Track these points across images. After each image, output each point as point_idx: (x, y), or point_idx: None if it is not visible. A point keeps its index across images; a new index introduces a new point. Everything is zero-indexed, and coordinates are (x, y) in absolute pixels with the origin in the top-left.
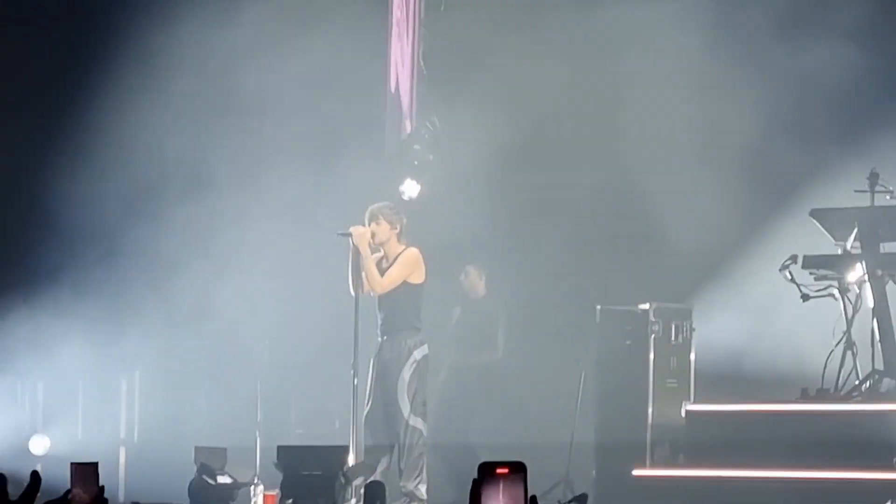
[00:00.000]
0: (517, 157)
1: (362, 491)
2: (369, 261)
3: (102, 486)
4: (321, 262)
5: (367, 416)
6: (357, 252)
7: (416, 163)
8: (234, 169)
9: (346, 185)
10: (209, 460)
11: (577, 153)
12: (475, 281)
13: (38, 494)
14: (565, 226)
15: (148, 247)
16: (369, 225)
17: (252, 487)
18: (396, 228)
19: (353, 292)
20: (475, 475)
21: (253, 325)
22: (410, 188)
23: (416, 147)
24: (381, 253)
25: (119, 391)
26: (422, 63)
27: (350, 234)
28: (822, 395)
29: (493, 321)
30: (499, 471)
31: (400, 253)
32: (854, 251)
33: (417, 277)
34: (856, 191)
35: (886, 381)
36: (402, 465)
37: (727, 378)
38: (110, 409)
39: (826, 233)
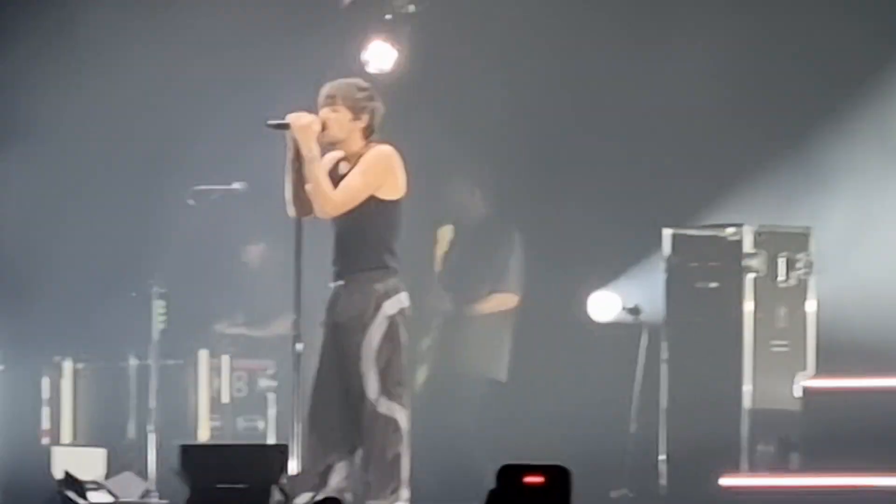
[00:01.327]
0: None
1: None
2: (317, 166)
3: None
4: (246, 167)
5: (316, 400)
6: (298, 153)
7: (388, 16)
8: None
9: (282, 53)
10: (77, 469)
11: None
12: (475, 203)
13: None
14: (605, 117)
15: None
16: (322, 111)
17: None
18: (361, 119)
19: (292, 213)
20: (489, 484)
21: (141, 266)
22: (379, 56)
23: None
24: (339, 154)
25: None
26: None
27: (287, 126)
28: None
29: (504, 252)
30: (528, 479)
31: (364, 154)
32: None
33: (391, 190)
34: None
35: None
36: (370, 472)
37: (865, 340)
38: None
39: None
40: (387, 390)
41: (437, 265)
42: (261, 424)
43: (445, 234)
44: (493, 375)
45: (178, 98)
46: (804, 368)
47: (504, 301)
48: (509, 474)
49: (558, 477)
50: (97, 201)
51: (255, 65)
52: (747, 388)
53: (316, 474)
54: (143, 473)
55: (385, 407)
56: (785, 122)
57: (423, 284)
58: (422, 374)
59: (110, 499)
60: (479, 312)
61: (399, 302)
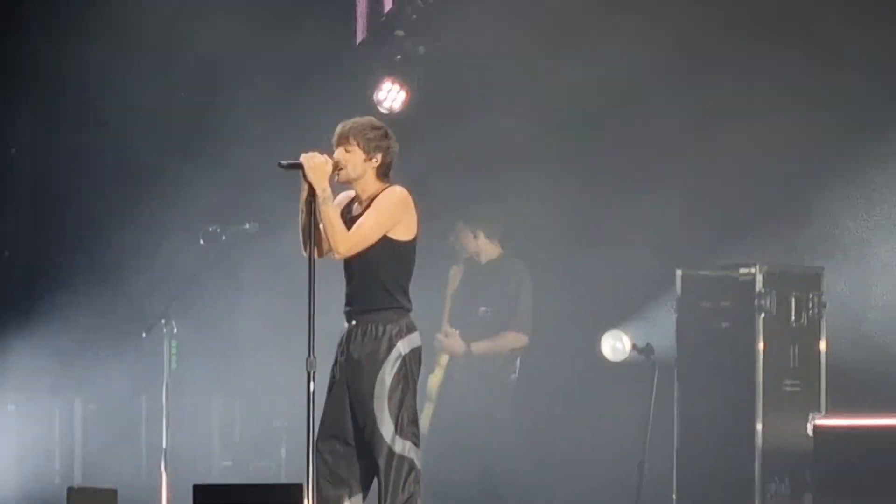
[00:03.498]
0: (548, 47)
1: None
2: (330, 206)
3: None
4: (260, 210)
5: (326, 439)
6: (312, 193)
7: (398, 57)
8: None
9: (297, 94)
10: None
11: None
12: (468, 241)
13: None
14: (616, 156)
15: None
16: (336, 150)
17: None
18: (375, 158)
19: (305, 253)
20: None
21: (154, 308)
22: (391, 96)
23: (399, 33)
24: (351, 193)
25: None
26: None
27: (299, 166)
28: None
29: (514, 288)
30: None
31: (378, 194)
32: None
33: (404, 231)
34: None
35: None
36: None
37: (876, 379)
38: None
39: None
40: (401, 430)
41: (447, 305)
42: (273, 464)
43: (456, 273)
44: (499, 415)
45: (189, 136)
46: (816, 407)
47: (514, 340)
48: None
49: None
50: (108, 240)
51: (268, 104)
52: (759, 426)
53: None
54: None
55: (400, 446)
56: (796, 164)
57: (433, 325)
58: (428, 414)
59: None
60: (489, 352)
61: (411, 342)
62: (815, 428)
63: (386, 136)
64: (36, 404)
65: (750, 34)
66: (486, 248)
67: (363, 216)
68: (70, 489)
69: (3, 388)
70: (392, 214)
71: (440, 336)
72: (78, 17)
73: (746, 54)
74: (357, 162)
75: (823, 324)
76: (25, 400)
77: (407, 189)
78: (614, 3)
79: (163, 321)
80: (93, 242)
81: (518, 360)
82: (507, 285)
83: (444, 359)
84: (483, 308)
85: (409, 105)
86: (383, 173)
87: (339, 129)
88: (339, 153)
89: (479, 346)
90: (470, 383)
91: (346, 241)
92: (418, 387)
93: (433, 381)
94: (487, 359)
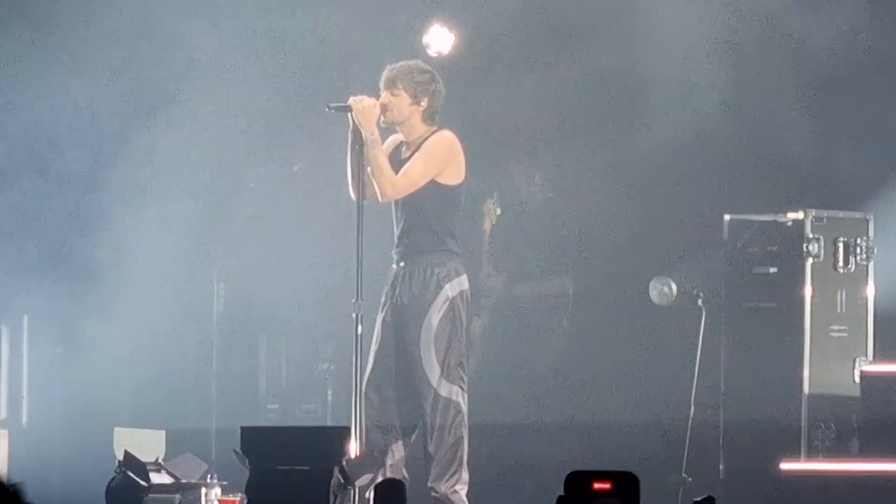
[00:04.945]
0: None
1: (370, 494)
2: (378, 149)
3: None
4: (306, 152)
5: (375, 382)
6: (360, 136)
7: None
8: None
9: (338, 35)
10: (138, 450)
11: None
12: (533, 187)
13: None
14: (665, 104)
15: None
16: (383, 94)
17: (203, 490)
18: (422, 102)
19: (353, 196)
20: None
21: (198, 253)
22: (439, 39)
23: None
24: (399, 137)
25: None
26: None
27: (349, 108)
28: None
29: (561, 236)
30: (597, 485)
31: (427, 138)
32: None
33: (452, 175)
34: None
35: None
36: (431, 454)
37: None
38: None
39: None
40: (448, 373)
41: (486, 242)
42: (319, 407)
43: (491, 208)
44: (546, 362)
45: (238, 80)
46: (863, 353)
47: (556, 285)
48: (578, 481)
49: (627, 483)
50: (155, 180)
51: (317, 47)
52: (806, 372)
53: (377, 458)
54: (203, 455)
55: (446, 389)
56: (844, 109)
57: (480, 266)
58: (474, 359)
59: (171, 480)
60: (533, 295)
61: (460, 284)
62: (862, 374)
63: (433, 79)
64: (82, 345)
65: None
66: (537, 191)
67: (410, 160)
68: (117, 430)
69: (48, 331)
70: (440, 159)
71: (482, 275)
72: None
73: None
74: (403, 105)
75: (871, 269)
76: (72, 341)
77: (453, 133)
78: None
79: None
80: (139, 181)
81: (566, 307)
82: (551, 232)
83: (489, 302)
84: (524, 247)
85: (455, 48)
86: (430, 116)
87: (385, 72)
88: (385, 97)
89: (522, 288)
90: (515, 328)
91: (394, 186)
92: (466, 329)
93: (477, 323)
94: (533, 304)
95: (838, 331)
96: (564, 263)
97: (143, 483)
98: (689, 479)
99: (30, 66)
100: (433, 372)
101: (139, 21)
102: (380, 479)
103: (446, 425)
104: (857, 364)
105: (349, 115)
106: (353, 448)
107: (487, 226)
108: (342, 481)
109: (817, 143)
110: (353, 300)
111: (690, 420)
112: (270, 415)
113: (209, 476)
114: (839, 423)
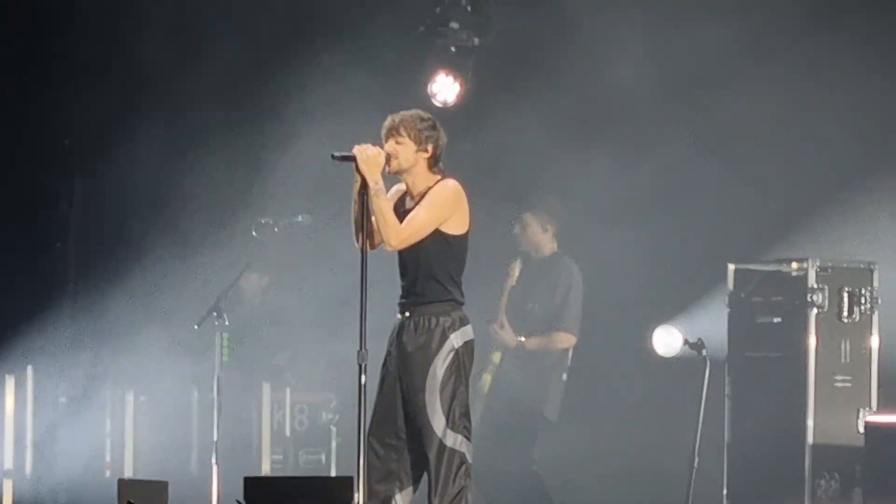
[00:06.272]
0: (605, 36)
1: None
2: (383, 198)
3: None
4: (312, 201)
5: (379, 432)
6: (364, 185)
7: (453, 49)
8: None
9: (347, 86)
10: (141, 501)
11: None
12: (536, 234)
13: None
14: (670, 154)
15: None
16: (386, 143)
17: None
18: (427, 150)
19: (357, 245)
20: None
21: (205, 300)
22: (445, 89)
23: (453, 25)
24: (402, 187)
25: None
26: None
27: (353, 157)
28: None
29: (564, 289)
30: None
31: (431, 186)
32: None
33: (457, 224)
34: None
35: None
36: None
37: None
38: None
39: None
40: (453, 423)
41: (504, 299)
42: (323, 457)
43: (515, 267)
44: (550, 415)
45: (241, 129)
46: (867, 403)
47: (563, 340)
48: None
49: None
50: (159, 233)
51: (320, 97)
52: (810, 422)
53: None
54: None
55: (451, 440)
56: (849, 159)
57: (486, 318)
58: (479, 408)
59: None
60: (540, 348)
61: (465, 335)
62: (866, 424)
63: (434, 126)
64: (87, 396)
65: (806, 29)
66: (546, 243)
67: (415, 209)
68: (121, 481)
69: (55, 380)
70: (444, 208)
71: (495, 326)
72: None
73: (798, 52)
74: (409, 153)
75: (875, 319)
76: (77, 392)
77: (459, 181)
78: None
79: (214, 314)
80: (143, 236)
81: (569, 360)
82: (557, 284)
83: (497, 356)
84: (531, 304)
85: (461, 98)
86: (434, 164)
87: (388, 121)
88: (390, 145)
89: (531, 342)
90: (521, 381)
91: (399, 234)
92: (470, 381)
93: (485, 379)
94: (539, 357)
95: (842, 381)
96: (566, 320)
97: None
98: None
99: None
100: (438, 422)
101: None
102: None
103: (451, 475)
104: (860, 414)
105: (353, 164)
106: (357, 498)
107: (510, 283)
108: None
109: (822, 192)
110: (358, 350)
111: (694, 470)
112: (274, 465)
113: None
114: (843, 473)
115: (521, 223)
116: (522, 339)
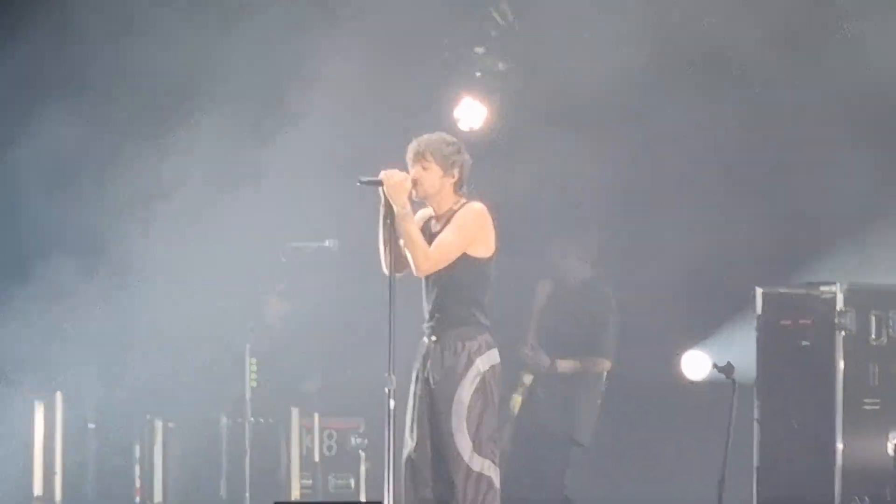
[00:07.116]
0: (637, 68)
1: None
2: (410, 222)
3: None
4: (337, 226)
5: (407, 457)
6: (391, 209)
7: (478, 74)
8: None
9: (374, 114)
10: None
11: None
12: (574, 264)
13: None
14: (699, 177)
15: None
16: (412, 168)
17: None
18: (453, 174)
19: (385, 270)
20: None
21: (232, 327)
22: (471, 114)
23: (479, 50)
24: (428, 212)
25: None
26: None
27: (380, 182)
28: None
29: (602, 314)
30: None
31: (457, 210)
32: None
33: (483, 247)
34: None
35: None
36: None
37: None
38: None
39: None
40: (479, 447)
41: (534, 321)
42: (352, 482)
43: (544, 288)
44: (581, 439)
45: (269, 154)
46: None
47: (598, 364)
48: None
49: None
50: (187, 257)
51: (347, 121)
52: (839, 445)
53: None
54: None
55: (479, 464)
56: (876, 180)
57: (513, 340)
58: (508, 431)
59: None
60: (573, 370)
61: (491, 358)
62: None
63: (459, 150)
64: (115, 423)
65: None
66: (577, 268)
67: (443, 232)
68: None
69: (83, 407)
70: (471, 231)
71: (526, 349)
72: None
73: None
74: (435, 178)
75: None
76: (105, 419)
77: (486, 205)
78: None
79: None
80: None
81: (604, 386)
82: (593, 309)
83: (528, 379)
84: (564, 327)
85: (487, 123)
86: (459, 187)
87: (413, 146)
88: (416, 170)
89: (564, 364)
90: (552, 404)
91: (427, 259)
92: (498, 405)
93: (516, 400)
94: (572, 381)
95: (871, 403)
96: (603, 345)
97: None
98: None
99: None
100: (465, 446)
101: None
102: None
103: (478, 499)
104: (890, 437)
105: (380, 189)
106: None
107: (539, 305)
108: None
109: (851, 215)
110: (385, 374)
111: (724, 494)
112: (304, 490)
113: None
114: (873, 497)
115: (560, 251)
116: (555, 361)
